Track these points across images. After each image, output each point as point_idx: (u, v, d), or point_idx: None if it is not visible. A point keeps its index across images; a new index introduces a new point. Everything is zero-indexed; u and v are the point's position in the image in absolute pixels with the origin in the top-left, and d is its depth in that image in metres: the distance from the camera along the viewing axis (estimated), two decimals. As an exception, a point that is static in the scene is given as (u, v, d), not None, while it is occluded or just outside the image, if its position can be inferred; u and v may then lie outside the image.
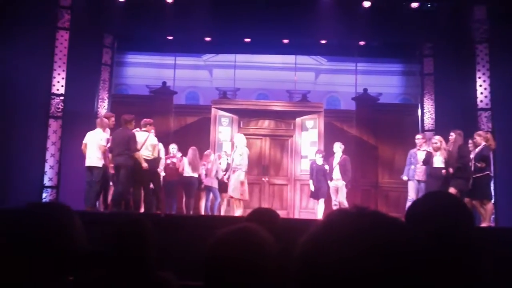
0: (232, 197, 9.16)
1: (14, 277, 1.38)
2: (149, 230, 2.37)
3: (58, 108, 9.75)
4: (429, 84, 11.64)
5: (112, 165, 8.36)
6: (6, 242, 1.43)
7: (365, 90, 12.71)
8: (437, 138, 8.75)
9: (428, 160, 8.67)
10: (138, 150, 8.11)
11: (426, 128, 11.39)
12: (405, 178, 9.17)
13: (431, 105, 11.50)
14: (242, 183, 8.96)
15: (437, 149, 8.53)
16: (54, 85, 9.79)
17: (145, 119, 8.67)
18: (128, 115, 8.30)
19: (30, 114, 9.30)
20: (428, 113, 11.52)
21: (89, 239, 1.55)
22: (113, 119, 8.80)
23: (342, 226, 0.74)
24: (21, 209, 1.51)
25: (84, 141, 8.28)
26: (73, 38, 9.99)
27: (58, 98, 9.79)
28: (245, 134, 12.14)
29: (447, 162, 8.32)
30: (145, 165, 8.02)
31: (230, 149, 11.49)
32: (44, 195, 9.46)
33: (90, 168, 8.18)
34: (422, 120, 11.57)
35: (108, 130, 8.56)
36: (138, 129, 8.47)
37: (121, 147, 7.94)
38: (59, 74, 9.82)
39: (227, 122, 12.10)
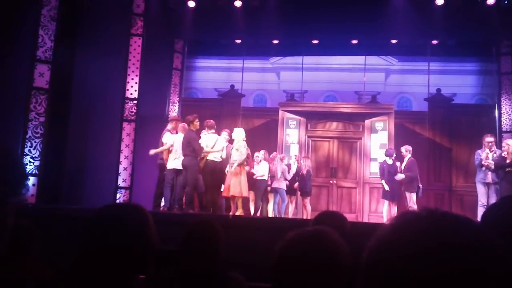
0: (234, 196, 8.68)
1: (91, 274, 1.45)
2: (218, 231, 2.41)
3: (132, 112, 10.11)
4: (507, 84, 11.10)
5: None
6: (84, 242, 1.50)
7: (439, 90, 12.27)
8: (510, 141, 8.34)
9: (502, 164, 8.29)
10: (201, 151, 8.23)
11: (504, 129, 10.85)
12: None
13: (509, 105, 10.96)
14: (239, 180, 8.48)
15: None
16: (128, 90, 10.14)
17: (207, 120, 8.82)
18: (191, 116, 8.49)
19: (105, 117, 9.67)
20: (506, 113, 10.98)
21: (161, 239, 1.59)
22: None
23: (411, 227, 0.72)
24: (100, 209, 1.57)
25: (169, 143, 8.53)
26: (146, 44, 10.35)
27: (131, 102, 10.14)
28: (312, 136, 12.18)
29: None
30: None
31: (298, 152, 11.47)
32: (118, 195, 9.83)
33: (180, 171, 8.33)
34: (500, 121, 11.04)
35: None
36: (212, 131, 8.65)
37: (186, 148, 8.14)
38: (132, 79, 10.18)
39: (295, 125, 12.07)
